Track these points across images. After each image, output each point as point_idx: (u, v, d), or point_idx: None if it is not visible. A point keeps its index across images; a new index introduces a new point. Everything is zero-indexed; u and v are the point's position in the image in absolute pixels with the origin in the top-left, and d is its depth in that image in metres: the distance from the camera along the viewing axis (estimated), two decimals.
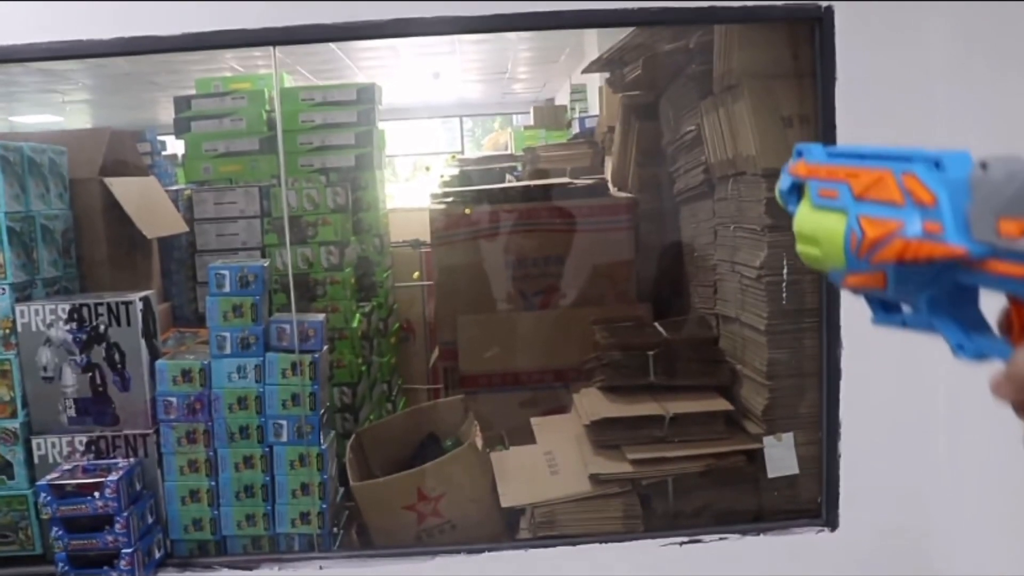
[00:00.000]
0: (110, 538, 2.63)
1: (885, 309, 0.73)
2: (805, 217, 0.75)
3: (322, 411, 2.98)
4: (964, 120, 2.65)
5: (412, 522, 3.19)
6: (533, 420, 3.67)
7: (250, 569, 2.88)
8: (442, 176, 6.31)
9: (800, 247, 0.76)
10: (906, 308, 0.71)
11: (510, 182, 5.46)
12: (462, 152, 10.98)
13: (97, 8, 2.63)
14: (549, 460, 3.33)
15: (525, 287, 4.24)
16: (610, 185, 4.67)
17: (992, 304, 0.68)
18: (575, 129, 7.73)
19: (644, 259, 4.23)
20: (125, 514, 2.64)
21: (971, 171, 0.61)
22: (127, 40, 2.65)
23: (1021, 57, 2.47)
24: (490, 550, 2.90)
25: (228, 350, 2.90)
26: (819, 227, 0.72)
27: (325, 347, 3.05)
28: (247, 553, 2.97)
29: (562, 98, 10.33)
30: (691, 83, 3.66)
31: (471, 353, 4.14)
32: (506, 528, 3.20)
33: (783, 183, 0.79)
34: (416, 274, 5.24)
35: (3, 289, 2.80)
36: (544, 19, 2.73)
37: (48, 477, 2.67)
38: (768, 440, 3.06)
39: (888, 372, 2.80)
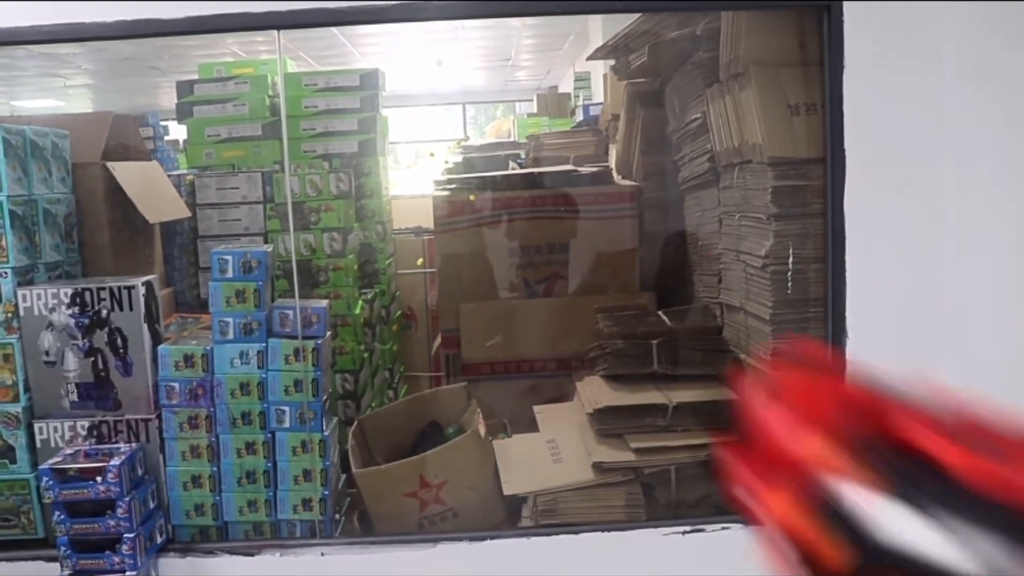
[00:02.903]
0: (112, 523, 2.62)
1: None
2: None
3: (324, 397, 2.98)
4: (974, 109, 2.64)
5: (414, 509, 3.19)
6: (536, 408, 3.67)
7: (251, 555, 2.88)
8: (446, 163, 6.29)
9: None
10: None
11: (513, 170, 5.44)
12: (467, 139, 10.95)
13: None
14: (552, 448, 3.32)
15: (528, 275, 4.23)
16: (614, 173, 4.65)
17: None
18: (579, 117, 7.71)
19: (648, 247, 4.22)
20: (127, 499, 2.63)
21: None
22: (130, 23, 2.63)
23: None
24: (492, 538, 2.90)
25: (231, 336, 2.90)
26: None
27: (328, 334, 3.05)
28: (248, 539, 2.96)
29: (565, 86, 10.30)
30: (697, 71, 3.63)
31: (473, 341, 4.13)
32: (508, 516, 3.19)
33: None
34: (419, 261, 5.23)
35: (5, 273, 2.78)
36: (549, 5, 2.72)
37: (50, 461, 2.66)
38: None
39: (893, 363, 2.78)
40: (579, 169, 4.55)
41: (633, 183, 4.37)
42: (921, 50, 2.68)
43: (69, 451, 2.74)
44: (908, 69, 2.69)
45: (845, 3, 2.66)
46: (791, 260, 2.98)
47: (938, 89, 2.68)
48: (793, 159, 2.96)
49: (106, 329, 2.81)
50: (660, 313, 3.78)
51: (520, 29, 8.00)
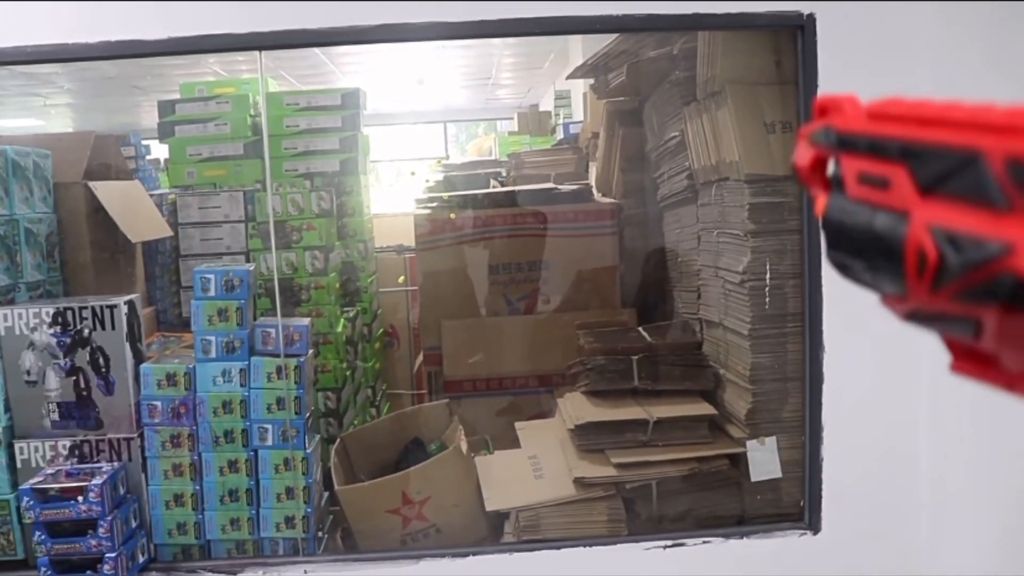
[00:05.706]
0: (93, 542, 2.62)
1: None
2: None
3: (307, 415, 2.98)
4: None
5: (397, 526, 3.19)
6: (517, 424, 3.68)
7: (234, 573, 2.87)
8: (427, 181, 6.32)
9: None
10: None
11: (494, 188, 5.47)
12: (447, 157, 10.99)
13: (83, 11, 2.63)
14: (534, 464, 3.34)
15: (509, 292, 4.25)
16: (594, 191, 4.68)
17: None
18: (559, 135, 7.76)
19: (628, 264, 4.25)
20: (109, 518, 2.63)
21: None
22: (113, 44, 2.65)
23: (1008, 63, 2.50)
24: (475, 554, 2.91)
25: (213, 354, 2.90)
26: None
27: (310, 352, 3.06)
28: (231, 557, 2.96)
29: (546, 104, 10.35)
30: (675, 89, 3.68)
31: (455, 358, 4.14)
32: (491, 532, 3.20)
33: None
34: (401, 279, 5.24)
35: None
36: (529, 25, 2.75)
37: (31, 481, 2.66)
38: (751, 444, 3.09)
39: (870, 376, 2.83)
40: (560, 187, 4.58)
41: (613, 200, 4.40)
42: (895, 68, 2.73)
43: (50, 471, 2.73)
44: (882, 87, 2.73)
45: (819, 22, 2.71)
46: (768, 276, 3.03)
47: None
48: (769, 176, 3.01)
49: (88, 348, 2.81)
50: (640, 329, 3.81)
51: (501, 48, 8.05)
